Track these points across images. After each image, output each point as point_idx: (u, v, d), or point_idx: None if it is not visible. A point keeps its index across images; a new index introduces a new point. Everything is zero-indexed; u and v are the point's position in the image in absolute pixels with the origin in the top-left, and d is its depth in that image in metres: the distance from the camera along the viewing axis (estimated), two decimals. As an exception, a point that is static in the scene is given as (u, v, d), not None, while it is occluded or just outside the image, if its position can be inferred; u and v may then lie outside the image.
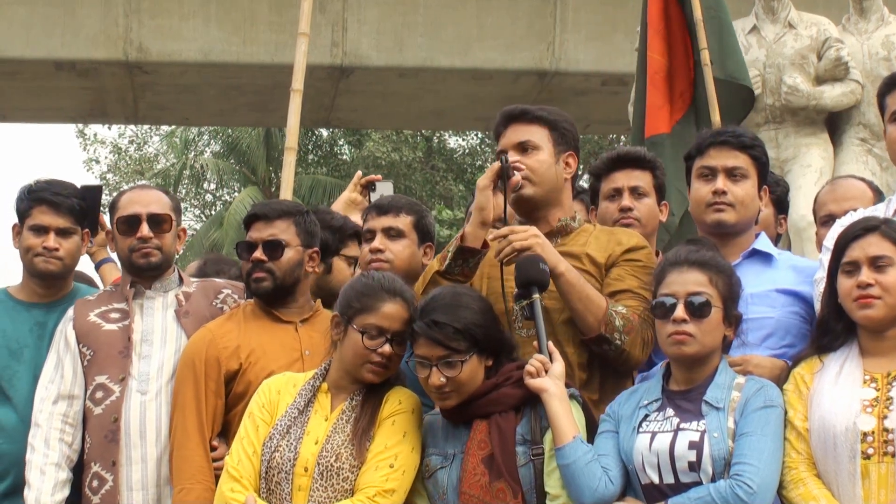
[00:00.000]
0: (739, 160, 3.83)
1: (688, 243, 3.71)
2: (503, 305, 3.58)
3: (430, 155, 25.70)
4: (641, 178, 4.30)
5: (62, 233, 4.12)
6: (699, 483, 3.18)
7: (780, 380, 3.43)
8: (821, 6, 8.36)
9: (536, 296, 3.44)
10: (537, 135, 3.77)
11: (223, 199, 28.61)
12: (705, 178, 3.85)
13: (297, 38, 5.58)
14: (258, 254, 3.90)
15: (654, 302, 3.40)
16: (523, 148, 3.74)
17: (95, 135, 29.02)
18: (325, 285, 4.29)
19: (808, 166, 7.27)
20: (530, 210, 3.79)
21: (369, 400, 3.48)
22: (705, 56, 6.09)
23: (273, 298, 3.93)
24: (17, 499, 3.90)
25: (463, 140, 26.30)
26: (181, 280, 4.20)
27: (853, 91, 7.28)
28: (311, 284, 4.08)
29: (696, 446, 3.20)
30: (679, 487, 3.19)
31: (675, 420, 3.27)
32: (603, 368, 3.66)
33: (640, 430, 3.30)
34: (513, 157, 3.70)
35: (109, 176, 28.56)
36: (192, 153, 27.66)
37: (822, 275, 3.61)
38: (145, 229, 4.05)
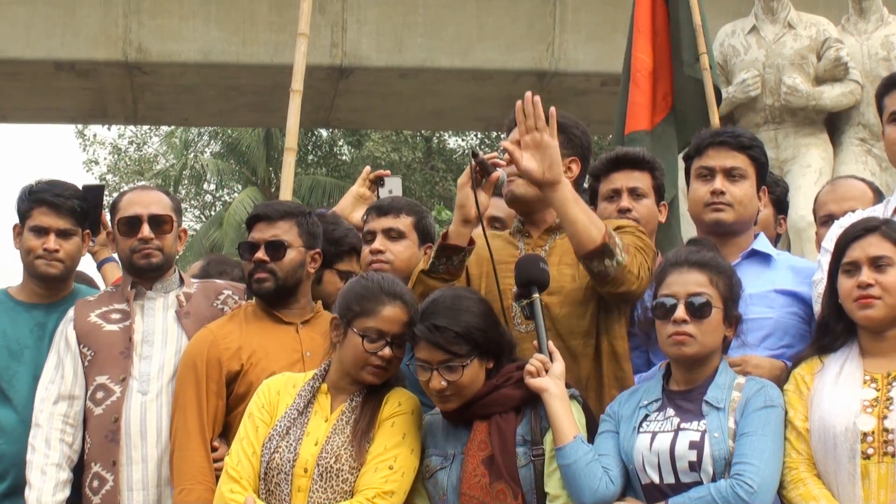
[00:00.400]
0: (738, 160, 3.83)
1: (688, 244, 3.72)
2: (500, 304, 3.58)
3: (429, 155, 25.72)
4: (640, 179, 4.30)
5: (63, 234, 4.12)
6: (699, 483, 3.18)
7: (779, 380, 3.43)
8: (820, 6, 8.36)
9: (536, 295, 3.44)
10: None
11: (223, 199, 28.62)
12: (704, 178, 3.85)
13: (297, 39, 5.59)
14: (260, 254, 3.90)
15: (654, 302, 3.40)
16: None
17: (95, 135, 29.05)
18: (313, 294, 4.24)
19: (808, 166, 7.27)
20: (525, 209, 3.79)
21: (369, 401, 3.48)
22: (704, 61, 6.09)
23: (274, 299, 3.93)
24: (17, 499, 3.90)
25: (463, 140, 26.30)
26: (182, 281, 4.20)
27: (853, 91, 7.29)
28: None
29: (697, 446, 3.20)
30: (679, 487, 3.20)
31: (676, 420, 3.28)
32: (606, 361, 3.66)
33: (641, 430, 3.30)
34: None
35: (109, 177, 28.58)
36: (192, 153, 27.66)
37: (820, 276, 3.62)
38: (146, 230, 4.05)
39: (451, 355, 3.32)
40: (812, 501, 3.18)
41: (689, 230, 5.60)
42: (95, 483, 3.89)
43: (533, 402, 3.35)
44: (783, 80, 7.28)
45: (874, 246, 3.31)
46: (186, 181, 27.98)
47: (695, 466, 3.19)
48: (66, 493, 3.89)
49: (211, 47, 10.65)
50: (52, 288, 4.19)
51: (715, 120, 5.94)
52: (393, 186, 4.63)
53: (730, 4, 9.19)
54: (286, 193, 5.20)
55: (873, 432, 3.17)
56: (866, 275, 3.29)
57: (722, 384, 3.31)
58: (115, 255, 4.69)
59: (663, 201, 4.43)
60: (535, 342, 3.44)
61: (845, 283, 3.33)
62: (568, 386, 3.39)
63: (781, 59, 7.35)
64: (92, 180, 27.83)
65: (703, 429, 3.23)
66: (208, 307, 4.12)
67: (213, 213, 28.06)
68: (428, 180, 25.26)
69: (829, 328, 3.40)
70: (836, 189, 4.66)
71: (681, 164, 5.36)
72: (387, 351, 3.44)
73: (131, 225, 4.07)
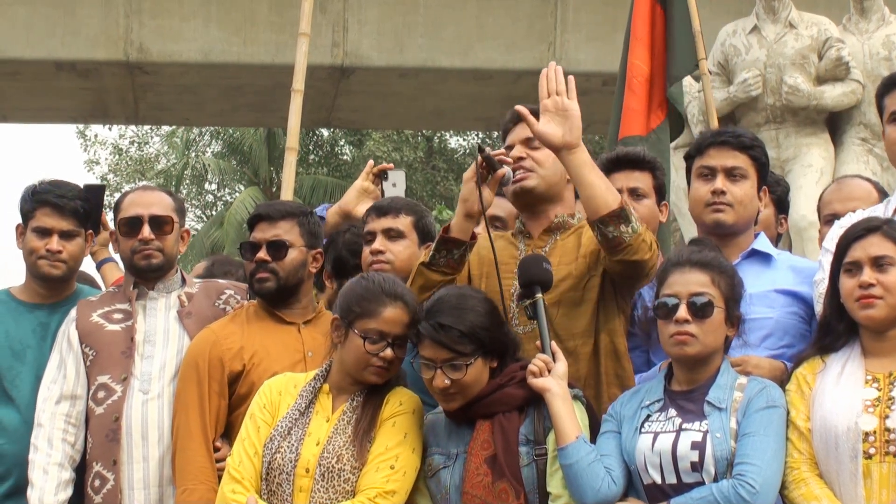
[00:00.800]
0: (739, 160, 3.83)
1: (690, 244, 3.72)
2: (501, 304, 3.58)
3: (430, 155, 25.73)
4: (640, 180, 4.29)
5: (66, 235, 4.12)
6: (701, 483, 3.18)
7: (779, 380, 3.43)
8: (821, 6, 8.37)
9: (539, 295, 3.44)
10: None
11: (224, 199, 28.63)
12: (704, 177, 3.85)
13: (298, 39, 5.59)
14: (262, 254, 3.90)
15: (656, 302, 3.40)
16: (531, 142, 3.75)
17: (96, 136, 29.06)
18: (329, 302, 4.23)
19: (809, 166, 7.27)
20: (530, 203, 3.79)
21: (370, 401, 3.48)
22: (703, 66, 6.09)
23: (276, 299, 3.93)
24: (19, 499, 3.90)
25: (463, 140, 26.30)
26: (184, 281, 4.20)
27: (854, 91, 7.29)
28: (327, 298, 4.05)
29: (699, 446, 3.20)
30: (681, 488, 3.20)
31: (678, 420, 3.28)
32: (607, 359, 3.66)
33: (643, 430, 3.30)
34: (519, 151, 3.72)
35: (110, 177, 28.58)
36: (193, 153, 27.67)
37: (821, 276, 3.62)
38: (146, 231, 4.05)
39: (455, 354, 3.32)
40: (814, 501, 3.19)
41: (689, 230, 5.60)
42: (97, 482, 3.89)
43: (536, 401, 3.35)
44: (784, 80, 7.28)
45: (876, 246, 3.31)
46: (188, 181, 27.99)
47: (697, 467, 3.19)
48: (68, 492, 3.89)
49: (212, 47, 10.67)
50: (54, 288, 4.19)
51: (714, 124, 5.95)
52: (396, 180, 4.63)
53: (731, 4, 9.21)
54: (287, 193, 5.21)
55: (875, 432, 3.17)
56: (868, 275, 3.29)
57: (724, 384, 3.31)
58: (115, 256, 4.69)
59: (664, 201, 4.43)
60: (538, 342, 3.44)
61: (847, 283, 3.33)
62: (571, 386, 3.39)
63: (783, 58, 7.35)
64: (93, 180, 27.86)
65: (705, 429, 3.23)
66: (210, 307, 4.12)
67: (214, 212, 28.06)
68: (429, 180, 25.27)
69: (830, 328, 3.40)
70: (842, 188, 4.66)
71: (680, 164, 5.36)
72: (388, 352, 3.44)
73: (132, 225, 4.07)
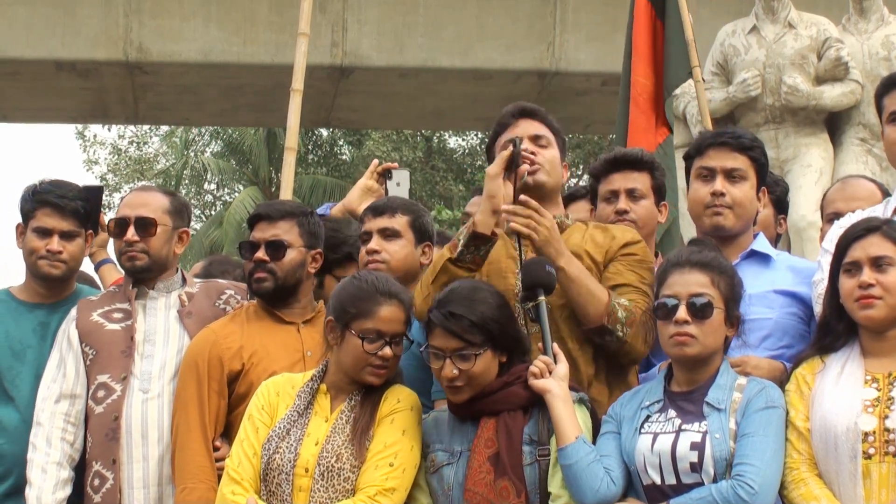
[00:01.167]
0: (738, 161, 3.82)
1: (690, 244, 3.72)
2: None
3: (430, 155, 25.72)
4: (638, 180, 4.29)
5: (66, 236, 4.12)
6: (701, 484, 3.18)
7: (778, 381, 3.43)
8: (821, 6, 8.38)
9: (542, 298, 3.44)
10: (548, 134, 3.84)
11: (223, 199, 28.63)
12: (704, 178, 3.84)
13: (297, 39, 5.59)
14: (260, 254, 3.91)
15: (656, 303, 3.41)
16: (538, 141, 3.77)
17: (95, 136, 29.05)
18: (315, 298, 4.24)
19: (809, 166, 7.28)
20: (538, 199, 3.80)
21: (368, 399, 3.48)
22: (697, 73, 6.09)
23: (274, 299, 3.94)
24: (19, 499, 3.90)
25: (463, 140, 26.31)
26: (184, 280, 4.20)
27: (853, 91, 7.29)
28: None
29: (698, 447, 3.20)
30: (681, 488, 3.20)
31: (677, 421, 3.28)
32: (608, 363, 3.67)
33: (642, 431, 3.30)
34: (529, 147, 3.73)
35: (109, 177, 28.58)
36: (193, 153, 27.67)
37: (820, 276, 3.62)
38: (130, 233, 4.05)
39: (465, 343, 3.33)
40: (813, 501, 3.19)
41: (689, 230, 5.59)
42: (96, 482, 3.89)
43: (541, 402, 3.35)
44: (783, 80, 7.29)
45: (875, 246, 3.32)
46: (187, 181, 27.98)
47: (696, 467, 3.19)
48: (67, 491, 3.89)
49: (211, 47, 10.67)
50: (54, 288, 4.19)
51: (708, 129, 5.95)
52: (400, 179, 4.64)
53: (730, 4, 9.22)
54: (287, 193, 5.21)
55: (874, 432, 3.18)
56: (867, 275, 3.29)
57: (723, 385, 3.31)
58: (113, 257, 4.69)
59: (663, 201, 4.43)
60: (540, 344, 3.44)
61: (846, 283, 3.33)
62: (576, 390, 3.40)
63: (782, 58, 7.35)
64: (92, 180, 27.86)
65: (705, 430, 3.23)
66: (210, 307, 4.12)
67: (213, 212, 28.06)
68: (428, 180, 25.26)
69: (830, 328, 3.40)
70: (846, 188, 4.66)
71: (680, 164, 5.37)
72: (387, 350, 3.45)
73: (120, 226, 4.08)
